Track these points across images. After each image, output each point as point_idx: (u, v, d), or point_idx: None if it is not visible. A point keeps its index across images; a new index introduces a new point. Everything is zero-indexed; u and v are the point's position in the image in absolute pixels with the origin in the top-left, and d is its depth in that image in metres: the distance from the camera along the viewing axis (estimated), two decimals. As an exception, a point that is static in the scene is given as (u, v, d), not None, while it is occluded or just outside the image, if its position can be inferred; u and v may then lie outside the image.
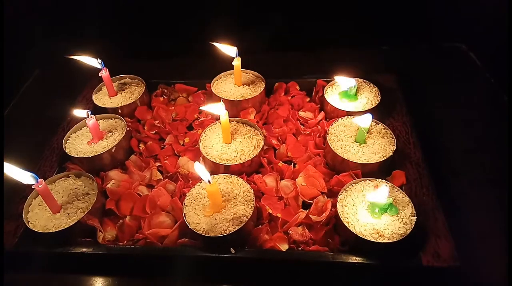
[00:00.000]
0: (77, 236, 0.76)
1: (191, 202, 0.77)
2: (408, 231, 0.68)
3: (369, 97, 0.98)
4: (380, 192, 0.70)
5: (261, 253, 0.71)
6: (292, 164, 0.88)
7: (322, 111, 0.99)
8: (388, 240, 0.67)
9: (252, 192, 0.77)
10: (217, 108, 0.82)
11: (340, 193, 0.76)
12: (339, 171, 0.85)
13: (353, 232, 0.69)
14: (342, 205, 0.74)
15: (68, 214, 0.76)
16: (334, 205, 0.75)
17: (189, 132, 0.99)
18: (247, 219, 0.72)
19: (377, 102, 0.96)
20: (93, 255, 0.73)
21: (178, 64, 1.22)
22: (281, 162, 0.88)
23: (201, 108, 0.81)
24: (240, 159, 0.84)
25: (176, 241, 0.75)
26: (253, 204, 0.74)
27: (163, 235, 0.75)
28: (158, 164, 0.90)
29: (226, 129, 0.85)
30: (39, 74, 1.28)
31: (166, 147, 0.96)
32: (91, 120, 0.87)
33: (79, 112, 0.88)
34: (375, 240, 0.68)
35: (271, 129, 0.97)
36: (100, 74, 0.99)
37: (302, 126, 0.97)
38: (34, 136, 1.01)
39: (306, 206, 0.80)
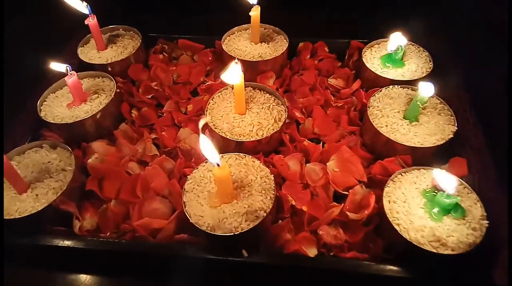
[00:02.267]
0: (48, 223, 0.60)
1: (194, 188, 0.60)
2: (479, 240, 0.52)
3: (418, 63, 0.79)
4: (446, 184, 0.52)
5: (282, 259, 0.55)
6: (321, 143, 0.70)
7: (358, 79, 0.80)
8: (453, 251, 0.51)
9: (272, 178, 0.59)
10: (231, 71, 0.63)
11: (386, 184, 0.59)
12: (380, 155, 0.67)
13: (405, 238, 0.52)
14: (390, 200, 0.57)
15: (37, 195, 0.60)
16: (377, 200, 0.58)
17: (193, 98, 0.81)
18: (265, 214, 0.55)
19: (429, 70, 0.77)
20: (66, 248, 0.58)
21: (182, 16, 1.01)
22: (306, 140, 0.70)
23: (221, 77, 0.63)
24: (257, 134, 0.66)
25: (173, 236, 0.59)
26: (274, 194, 0.57)
27: (156, 227, 0.59)
28: (153, 136, 0.73)
29: (241, 96, 0.67)
30: (18, 23, 1.07)
31: (164, 115, 0.78)
32: (72, 78, 0.69)
33: (56, 66, 0.70)
34: (434, 250, 0.51)
35: (293, 99, 0.79)
36: (86, 22, 0.80)
37: (332, 97, 0.79)
38: (10, 97, 0.83)
39: (338, 197, 0.63)
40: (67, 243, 0.58)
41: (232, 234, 0.53)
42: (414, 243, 0.52)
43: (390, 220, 0.54)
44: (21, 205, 0.59)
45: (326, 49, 0.89)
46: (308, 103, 0.77)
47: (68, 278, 0.59)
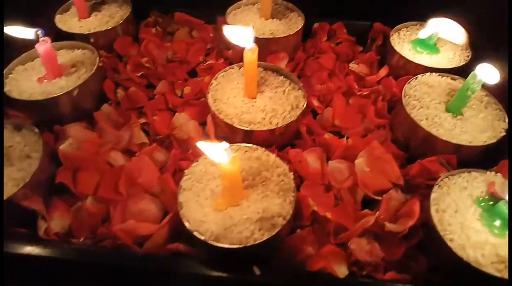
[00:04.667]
0: (6, 224, 0.46)
1: (192, 185, 0.48)
2: (552, 263, 0.41)
3: (455, 51, 0.68)
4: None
5: (304, 279, 0.43)
6: (345, 137, 0.59)
7: (386, 66, 0.69)
8: (523, 277, 0.40)
9: (292, 177, 0.48)
10: (243, 37, 0.51)
11: (433, 190, 0.47)
12: (415, 153, 0.56)
13: (460, 257, 0.41)
14: (438, 209, 0.46)
15: (-8, 188, 0.47)
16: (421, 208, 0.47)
17: (190, 79, 0.69)
18: (284, 222, 0.43)
19: (467, 58, 0.67)
20: (28, 256, 0.45)
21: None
22: (328, 133, 0.59)
23: (224, 31, 0.50)
24: (270, 122, 0.55)
25: (164, 246, 0.46)
26: (294, 197, 0.46)
27: (143, 233, 0.47)
28: (143, 121, 0.61)
29: (253, 75, 0.55)
30: None
31: (156, 97, 0.65)
32: (44, 45, 0.56)
33: (20, 31, 0.56)
34: (498, 275, 0.40)
35: (310, 85, 0.67)
36: (65, -18, 0.67)
37: (355, 84, 0.67)
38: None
39: (365, 203, 0.52)
40: (29, 249, 0.45)
41: (243, 246, 0.41)
42: (473, 264, 0.41)
43: (441, 233, 0.43)
44: (-30, 200, 0.46)
45: (345, 31, 0.78)
46: (327, 90, 0.66)
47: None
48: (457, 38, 0.63)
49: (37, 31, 0.55)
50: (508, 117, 0.56)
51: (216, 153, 0.39)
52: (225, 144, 0.39)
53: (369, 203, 0.52)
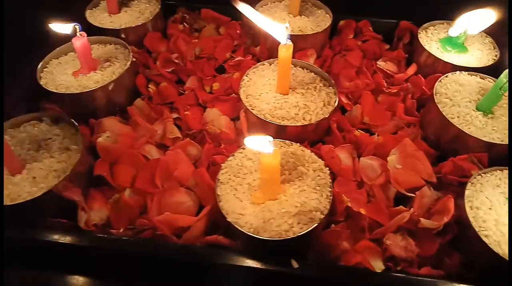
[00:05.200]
0: (47, 214, 0.48)
1: (230, 179, 0.48)
2: None
3: (483, 50, 0.68)
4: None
5: (341, 273, 0.44)
6: (376, 135, 0.59)
7: (414, 64, 0.70)
8: (560, 273, 0.40)
9: (328, 172, 0.48)
10: (279, 31, 0.52)
11: (466, 187, 0.48)
12: (446, 151, 0.57)
13: (496, 253, 0.42)
14: (472, 206, 0.46)
15: (34, 177, 0.48)
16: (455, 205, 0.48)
17: (219, 75, 0.70)
18: (322, 216, 0.44)
19: (495, 58, 0.67)
20: (69, 246, 0.46)
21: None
22: (358, 130, 0.59)
23: (259, 23, 0.51)
24: (304, 118, 0.55)
25: (202, 238, 0.47)
26: (331, 192, 0.46)
27: (182, 225, 0.48)
28: (175, 115, 0.61)
29: (286, 72, 0.56)
30: None
31: (186, 92, 0.66)
32: (80, 40, 0.57)
33: (60, 27, 0.57)
34: (535, 272, 0.41)
35: (338, 82, 0.67)
36: (98, -21, 0.68)
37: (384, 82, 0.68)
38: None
39: (397, 200, 0.53)
40: (70, 239, 0.46)
41: (283, 238, 0.42)
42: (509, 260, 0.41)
43: (476, 229, 0.44)
44: (14, 189, 0.47)
45: (370, 29, 0.78)
46: (355, 87, 0.66)
47: (69, 282, 0.47)
48: (488, 20, 0.63)
49: (75, 25, 0.56)
50: (509, 117, 0.56)
51: (261, 144, 0.40)
52: (269, 137, 0.40)
53: (400, 200, 0.53)
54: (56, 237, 0.46)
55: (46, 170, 0.49)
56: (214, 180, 0.51)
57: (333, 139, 0.59)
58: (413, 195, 0.51)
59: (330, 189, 0.46)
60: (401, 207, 0.50)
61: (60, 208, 0.49)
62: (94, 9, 0.75)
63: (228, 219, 0.44)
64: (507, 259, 0.42)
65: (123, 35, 0.70)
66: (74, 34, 0.57)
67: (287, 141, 0.52)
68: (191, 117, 0.61)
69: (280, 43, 0.53)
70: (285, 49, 0.52)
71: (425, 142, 0.59)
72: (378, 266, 0.45)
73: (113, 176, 0.53)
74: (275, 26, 0.51)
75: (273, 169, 0.43)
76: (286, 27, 0.51)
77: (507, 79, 0.52)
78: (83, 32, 0.57)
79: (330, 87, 0.60)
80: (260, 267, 0.43)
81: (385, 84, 0.67)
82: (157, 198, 0.51)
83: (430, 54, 0.67)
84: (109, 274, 0.48)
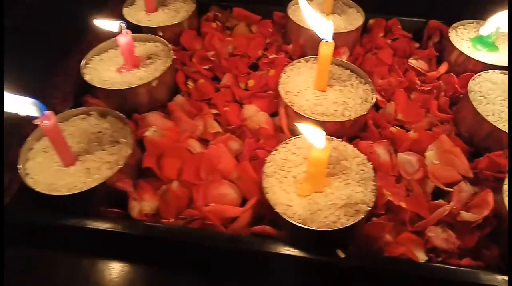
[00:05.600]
0: (99, 203, 0.50)
1: (275, 172, 0.50)
2: None
3: (513, 48, 0.69)
4: None
5: (387, 264, 0.46)
6: (412, 131, 0.61)
7: (445, 62, 0.71)
8: None
9: (371, 166, 0.50)
10: (322, 26, 0.53)
11: (504, 182, 0.49)
12: (479, 148, 0.58)
13: (537, 246, 0.43)
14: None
15: (88, 169, 0.50)
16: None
17: (253, 72, 0.71)
18: (368, 208, 0.46)
19: (526, 56, 0.68)
20: (124, 235, 0.48)
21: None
22: (395, 127, 0.61)
23: (305, 16, 0.53)
24: (343, 114, 0.57)
25: (247, 228, 0.49)
26: (375, 185, 0.48)
27: (230, 216, 0.50)
28: (214, 111, 0.63)
29: (325, 69, 0.58)
30: None
31: (222, 89, 0.68)
32: (125, 38, 0.59)
33: (106, 24, 0.60)
34: None
35: (371, 78, 0.69)
36: (138, -22, 0.70)
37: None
38: (42, 58, 0.73)
39: (434, 194, 0.54)
40: (124, 228, 0.48)
41: (331, 229, 0.44)
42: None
43: (517, 223, 0.45)
44: (70, 180, 0.49)
45: (399, 27, 0.80)
46: (388, 85, 0.68)
47: (126, 269, 0.50)
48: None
49: (121, 23, 0.59)
50: (509, 117, 0.57)
51: (313, 137, 0.42)
52: (322, 131, 0.42)
53: (437, 194, 0.54)
54: (109, 226, 0.48)
55: (98, 162, 0.51)
56: (256, 173, 0.54)
57: (369, 135, 0.60)
58: (451, 189, 0.53)
59: (374, 183, 0.48)
60: (440, 200, 0.51)
61: (111, 198, 0.51)
62: (130, 7, 0.77)
63: (276, 210, 0.46)
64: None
65: (160, 33, 0.72)
66: (119, 32, 0.59)
67: (328, 136, 0.54)
68: (230, 113, 0.63)
69: (320, 40, 0.55)
70: (327, 47, 0.54)
71: (458, 138, 0.60)
72: (420, 257, 0.47)
73: (160, 168, 0.55)
74: (321, 22, 0.52)
75: (321, 163, 0.45)
76: (331, 25, 0.52)
77: None
78: (128, 30, 0.59)
79: (367, 84, 0.62)
80: (308, 256, 0.45)
81: (418, 82, 0.68)
82: (203, 190, 0.53)
83: (461, 53, 0.69)
84: (161, 262, 0.50)
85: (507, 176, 0.50)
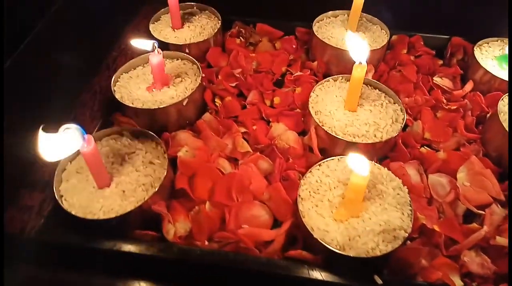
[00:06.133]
0: (134, 226, 0.50)
1: (310, 195, 0.50)
2: None
3: (540, 67, 0.69)
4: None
5: (426, 289, 0.46)
6: (442, 151, 0.61)
7: (471, 80, 0.71)
8: None
9: (407, 191, 0.50)
10: (360, 49, 0.54)
11: (539, 206, 0.49)
12: (508, 168, 0.58)
13: None
14: (548, 226, 0.48)
15: (124, 191, 0.51)
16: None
17: (278, 89, 0.72)
18: (406, 234, 0.46)
19: (553, 76, 0.68)
20: (160, 259, 0.48)
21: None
22: (424, 147, 0.61)
23: (347, 38, 0.54)
24: (375, 135, 0.57)
25: (281, 252, 0.49)
26: (411, 210, 0.48)
27: (266, 240, 0.50)
28: (243, 130, 0.64)
29: (357, 90, 0.58)
30: None
31: (249, 106, 0.69)
32: (157, 57, 0.60)
33: (141, 43, 0.60)
34: None
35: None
36: (164, -5, 0.70)
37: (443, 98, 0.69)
38: (67, 76, 0.73)
39: (465, 216, 0.54)
40: (161, 252, 0.48)
41: (371, 257, 0.44)
42: None
43: (555, 250, 0.45)
44: (106, 203, 0.49)
45: (422, 43, 0.80)
46: (414, 103, 0.68)
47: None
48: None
49: (154, 43, 0.59)
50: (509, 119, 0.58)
51: (356, 164, 0.42)
52: (365, 158, 0.42)
53: (469, 216, 0.54)
54: (145, 249, 0.48)
55: (134, 184, 0.51)
56: (288, 195, 0.54)
57: (399, 155, 0.60)
58: (483, 212, 0.53)
59: (410, 208, 0.48)
60: (474, 224, 0.51)
61: (146, 220, 0.51)
62: (156, 23, 0.77)
63: (315, 236, 0.46)
64: None
65: (186, 50, 0.72)
66: (152, 50, 0.60)
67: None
68: (258, 132, 0.63)
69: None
70: (360, 69, 0.54)
71: (486, 158, 0.61)
72: (457, 282, 0.47)
73: (192, 188, 0.55)
74: (358, 44, 0.53)
75: (361, 188, 0.45)
76: (365, 47, 0.52)
77: None
78: (159, 50, 0.60)
79: (396, 104, 0.62)
80: (346, 283, 0.45)
81: (444, 100, 0.68)
82: (235, 211, 0.53)
83: (486, 72, 0.69)
84: (196, 284, 0.50)
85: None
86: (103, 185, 0.51)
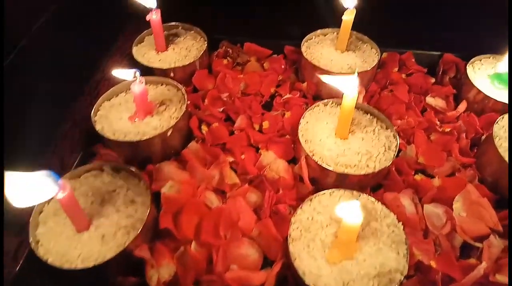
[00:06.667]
0: (114, 273, 0.47)
1: (301, 235, 0.48)
2: None
3: (534, 86, 0.68)
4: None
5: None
6: (437, 178, 0.59)
7: (464, 100, 0.69)
8: None
9: (402, 227, 0.48)
10: (344, 82, 0.51)
11: (540, 239, 0.48)
12: (505, 194, 0.56)
13: None
14: (550, 262, 0.46)
15: (103, 236, 0.48)
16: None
17: (267, 113, 0.69)
18: (402, 277, 0.43)
19: (548, 95, 0.66)
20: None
21: (242, 14, 0.88)
22: (419, 174, 0.59)
23: (323, 78, 0.52)
24: (367, 165, 0.55)
25: (272, 294, 0.47)
26: (407, 250, 0.46)
27: (254, 284, 0.47)
28: (231, 159, 0.61)
29: (348, 119, 0.55)
30: (57, 12, 0.91)
31: (237, 132, 0.66)
32: (139, 86, 0.57)
33: (121, 73, 0.57)
34: None
35: (388, 119, 0.67)
36: (148, 18, 0.67)
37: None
38: (44, 103, 0.69)
39: (463, 248, 0.52)
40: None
41: (366, 303, 0.42)
42: None
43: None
44: (84, 249, 0.46)
45: (414, 61, 0.78)
46: (407, 126, 0.66)
47: None
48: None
49: (135, 72, 0.56)
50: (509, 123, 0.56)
51: (348, 211, 0.40)
52: (357, 202, 0.40)
53: (466, 247, 0.52)
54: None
55: (114, 227, 0.48)
56: (278, 231, 0.51)
57: (393, 183, 0.58)
58: (480, 244, 0.51)
59: (406, 246, 0.46)
60: (472, 259, 0.49)
61: (127, 265, 0.48)
62: (139, 45, 0.74)
63: (306, 282, 0.43)
64: None
65: (172, 74, 0.69)
66: (134, 79, 0.57)
67: (354, 192, 0.52)
68: (247, 161, 0.60)
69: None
70: (351, 99, 0.52)
71: (482, 184, 0.59)
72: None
73: (177, 226, 0.52)
74: (344, 79, 0.50)
75: (353, 231, 0.42)
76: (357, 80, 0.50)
77: None
78: (142, 78, 0.57)
79: (388, 129, 0.60)
80: (340, 329, 0.43)
81: (437, 122, 0.66)
82: (223, 250, 0.50)
83: (479, 91, 0.67)
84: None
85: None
86: (82, 228, 0.48)
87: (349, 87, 0.51)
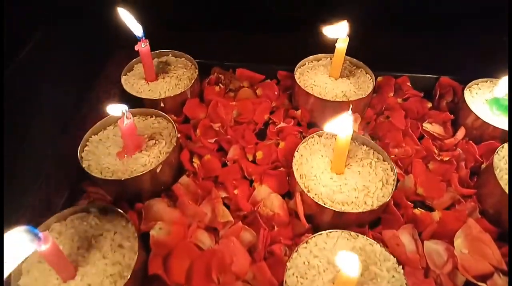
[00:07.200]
0: (103, 323, 0.45)
1: (297, 282, 0.46)
2: None
3: (532, 111, 0.66)
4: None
5: None
6: (436, 212, 0.57)
7: (462, 127, 0.68)
8: None
9: (402, 272, 0.46)
10: (341, 123, 0.50)
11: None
12: (507, 226, 0.54)
13: None
14: (558, 306, 0.44)
15: (89, 285, 0.45)
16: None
17: (261, 142, 0.67)
18: (404, 327, 0.41)
19: (548, 120, 0.65)
20: None
21: (234, 39, 0.87)
22: (418, 209, 0.57)
23: (325, 128, 0.51)
24: (365, 202, 0.53)
25: None
26: (408, 295, 0.44)
27: (250, 334, 0.45)
28: (223, 194, 0.59)
29: (343, 155, 0.54)
30: (42, 38, 0.90)
31: (229, 164, 0.64)
32: (127, 122, 0.55)
33: (108, 109, 0.55)
34: None
35: (385, 147, 0.65)
36: (136, 48, 0.65)
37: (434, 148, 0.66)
38: (31, 137, 0.67)
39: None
40: None
41: None
42: None
43: None
44: (70, 301, 0.44)
45: (409, 85, 0.77)
46: (405, 154, 0.64)
47: None
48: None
49: (123, 110, 0.54)
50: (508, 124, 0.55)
51: (346, 262, 0.38)
52: (354, 255, 0.38)
53: (467, 286, 0.50)
54: None
55: (101, 275, 0.46)
56: (273, 273, 0.49)
57: (391, 219, 0.56)
58: (484, 285, 0.49)
59: (406, 292, 0.44)
60: (476, 302, 0.47)
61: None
62: (128, 74, 0.72)
63: (303, 333, 0.41)
64: None
65: (162, 104, 0.67)
66: (122, 116, 0.55)
67: (352, 233, 0.50)
68: (240, 196, 0.58)
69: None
70: (345, 138, 0.50)
71: (483, 216, 0.57)
72: None
73: (167, 270, 0.50)
74: (339, 120, 0.49)
75: (351, 283, 0.40)
76: (349, 112, 0.49)
77: None
78: (129, 114, 0.55)
79: (385, 161, 0.58)
80: None
81: (436, 151, 0.65)
82: (216, 296, 0.48)
83: (477, 117, 0.66)
84: None
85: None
86: (67, 277, 0.46)
87: (343, 128, 0.49)
